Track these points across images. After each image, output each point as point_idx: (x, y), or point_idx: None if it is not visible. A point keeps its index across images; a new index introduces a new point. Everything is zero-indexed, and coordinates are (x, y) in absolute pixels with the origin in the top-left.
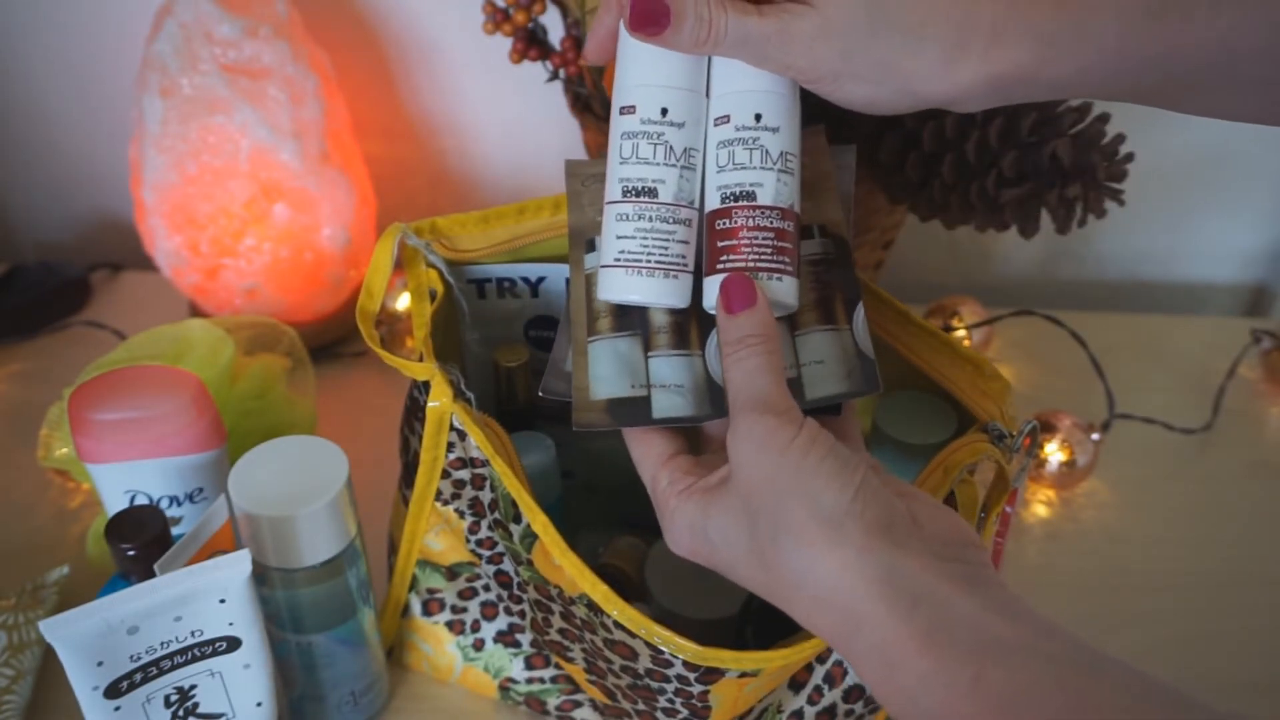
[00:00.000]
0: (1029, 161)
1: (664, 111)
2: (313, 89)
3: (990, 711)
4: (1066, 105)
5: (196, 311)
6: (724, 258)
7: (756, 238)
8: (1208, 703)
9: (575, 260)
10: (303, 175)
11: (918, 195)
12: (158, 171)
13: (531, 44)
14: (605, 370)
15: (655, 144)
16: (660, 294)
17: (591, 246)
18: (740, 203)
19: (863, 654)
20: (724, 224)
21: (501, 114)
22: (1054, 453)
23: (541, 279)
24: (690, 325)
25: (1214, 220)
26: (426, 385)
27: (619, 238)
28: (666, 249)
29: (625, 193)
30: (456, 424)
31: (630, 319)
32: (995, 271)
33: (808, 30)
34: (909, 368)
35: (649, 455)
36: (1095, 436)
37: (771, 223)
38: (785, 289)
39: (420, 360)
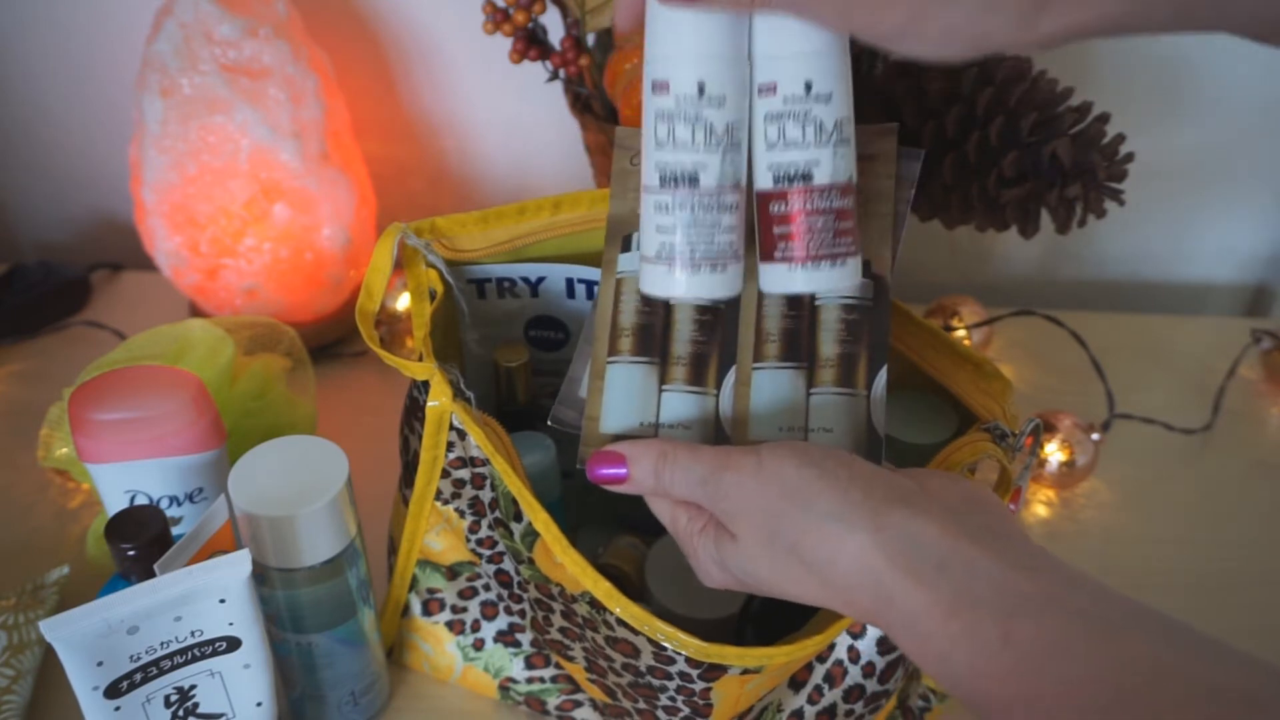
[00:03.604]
0: (1029, 161)
1: (701, 88)
2: (313, 89)
3: (1020, 667)
4: (1066, 105)
5: (196, 311)
6: (781, 245)
7: (816, 223)
8: (1240, 647)
9: (608, 260)
10: (303, 175)
11: (918, 195)
12: (158, 171)
13: (531, 44)
14: (618, 400)
15: (694, 125)
16: (708, 289)
17: (627, 245)
18: (796, 185)
19: (897, 626)
20: (779, 208)
21: (501, 114)
22: (1054, 453)
23: (541, 279)
24: (711, 359)
25: (1214, 220)
26: (426, 385)
27: (659, 230)
28: (712, 240)
29: (664, 181)
30: (456, 423)
31: (651, 343)
32: (995, 271)
33: None
34: (909, 367)
35: (664, 500)
36: (1095, 436)
37: (831, 204)
38: (848, 273)
39: (420, 360)
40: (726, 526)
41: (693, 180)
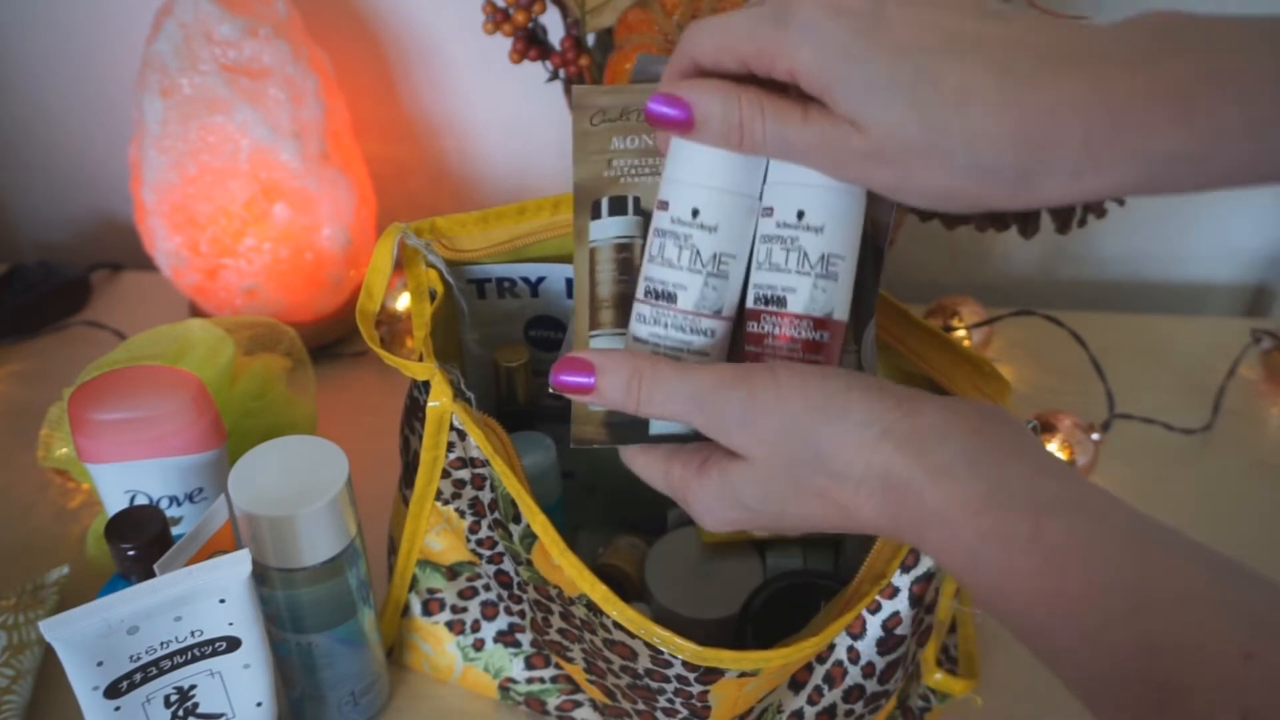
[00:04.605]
0: None
1: (695, 213)
2: (313, 89)
3: (1047, 564)
4: None
5: (196, 311)
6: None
7: (780, 349)
8: (1265, 573)
9: (579, 230)
10: (303, 175)
11: None
12: (158, 171)
13: (531, 44)
14: None
15: (681, 246)
16: None
17: (597, 211)
18: (770, 308)
19: (926, 526)
20: (753, 328)
21: (501, 114)
22: (1054, 452)
23: (541, 279)
24: None
25: (1214, 220)
26: (426, 385)
27: (635, 340)
28: (679, 360)
29: (647, 293)
30: (456, 424)
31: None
32: (995, 271)
33: (856, 150)
34: (909, 368)
35: (651, 461)
36: (1095, 436)
37: (800, 333)
38: None
39: (420, 360)
40: (734, 450)
41: (670, 297)
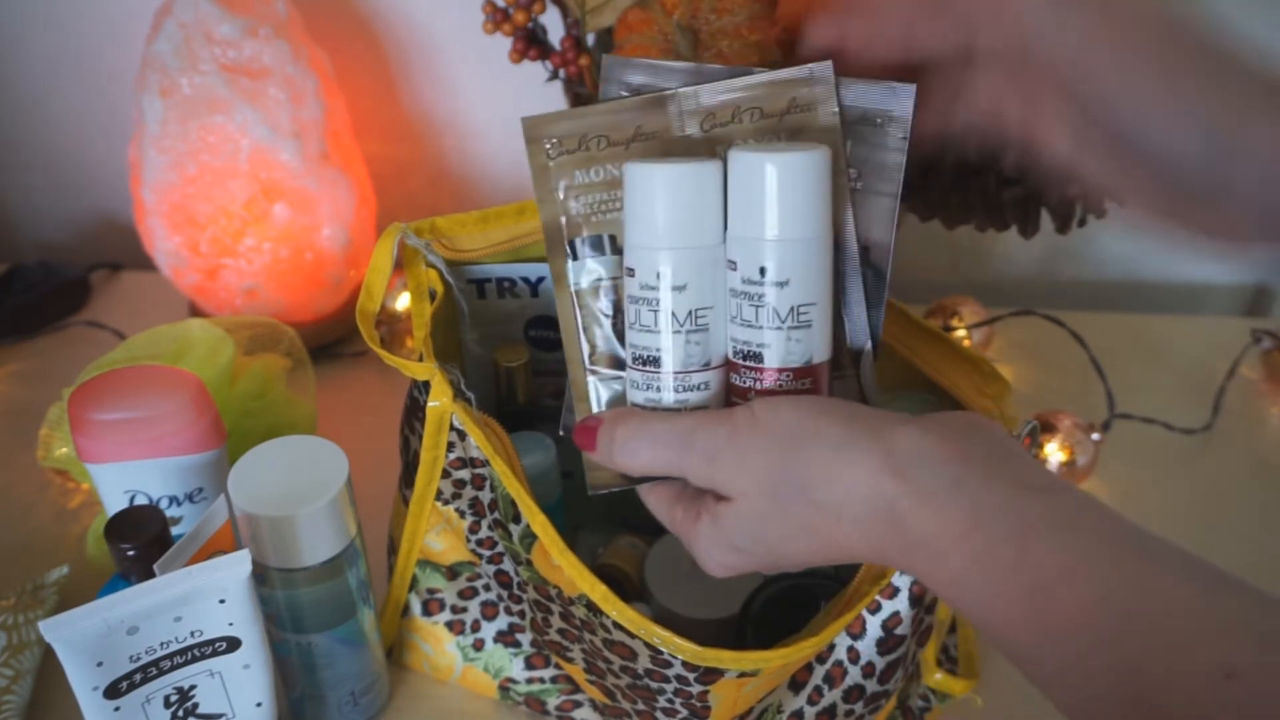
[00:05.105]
0: (1029, 161)
1: (659, 276)
2: (313, 89)
3: (1034, 587)
4: None
5: (196, 311)
6: None
7: None
8: (1253, 582)
9: (557, 274)
10: (303, 175)
11: (918, 195)
12: (158, 171)
13: (531, 44)
14: None
15: (656, 310)
16: None
17: (574, 252)
18: (749, 363)
19: (913, 551)
20: (735, 380)
21: (501, 114)
22: (1054, 453)
23: (541, 279)
24: None
25: None
26: (426, 385)
27: (633, 405)
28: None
29: (635, 360)
30: (456, 424)
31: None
32: (995, 271)
33: None
34: (909, 368)
35: (661, 499)
36: (1095, 436)
37: (781, 385)
38: None
39: (420, 360)
40: (722, 492)
41: (655, 361)
